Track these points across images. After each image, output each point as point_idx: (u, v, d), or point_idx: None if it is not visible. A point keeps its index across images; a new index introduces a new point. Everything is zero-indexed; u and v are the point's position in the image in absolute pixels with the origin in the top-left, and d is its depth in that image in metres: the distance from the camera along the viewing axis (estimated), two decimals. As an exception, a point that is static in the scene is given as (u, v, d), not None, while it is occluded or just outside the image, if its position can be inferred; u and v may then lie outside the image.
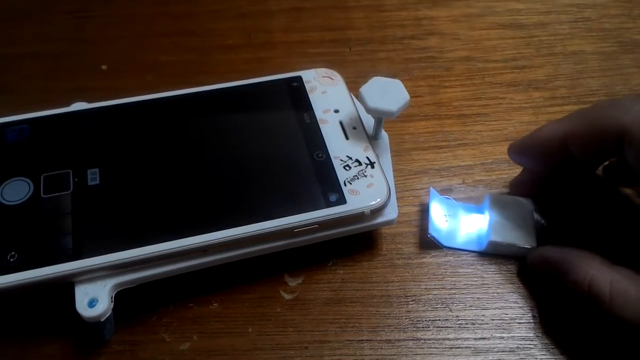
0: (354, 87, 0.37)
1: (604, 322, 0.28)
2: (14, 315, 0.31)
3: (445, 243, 0.34)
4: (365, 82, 0.33)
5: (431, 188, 0.35)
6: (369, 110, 0.33)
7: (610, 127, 0.28)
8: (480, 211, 0.34)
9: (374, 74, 0.34)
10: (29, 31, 0.46)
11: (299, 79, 0.37)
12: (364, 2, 0.48)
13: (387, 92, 0.33)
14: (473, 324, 0.31)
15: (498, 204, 0.34)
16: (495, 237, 0.33)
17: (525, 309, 0.32)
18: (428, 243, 0.34)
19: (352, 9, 0.48)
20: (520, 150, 0.33)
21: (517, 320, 0.31)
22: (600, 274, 0.28)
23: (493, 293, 0.32)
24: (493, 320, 0.31)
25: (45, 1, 0.48)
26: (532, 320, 0.31)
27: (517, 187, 0.35)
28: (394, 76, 0.34)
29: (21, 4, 0.48)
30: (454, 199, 0.35)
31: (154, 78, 0.43)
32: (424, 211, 0.35)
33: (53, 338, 0.30)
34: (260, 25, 0.47)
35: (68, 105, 0.35)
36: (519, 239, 0.32)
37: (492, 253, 0.33)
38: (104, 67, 0.43)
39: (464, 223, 0.34)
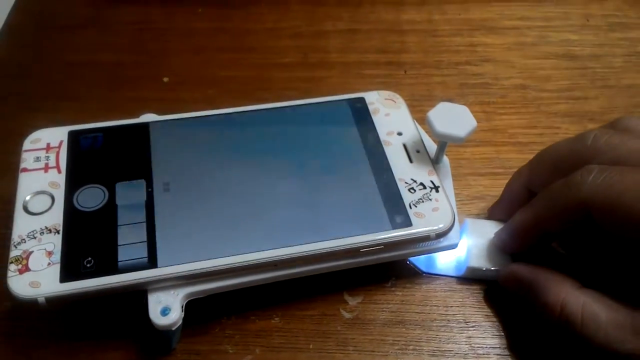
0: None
1: (576, 343, 0.27)
2: (81, 320, 0.32)
3: (424, 269, 0.34)
4: (422, 105, 0.34)
5: None
6: (437, 135, 0.33)
7: (575, 209, 0.28)
8: None
9: (429, 98, 0.35)
10: (92, 40, 0.47)
11: (362, 100, 0.37)
12: (419, 26, 0.49)
13: (455, 118, 0.33)
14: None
15: (476, 228, 0.34)
16: (474, 263, 0.33)
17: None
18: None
19: (407, 32, 0.49)
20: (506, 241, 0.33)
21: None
22: (572, 298, 0.28)
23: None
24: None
25: (108, 11, 0.49)
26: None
27: (496, 212, 0.35)
28: (449, 101, 0.34)
29: (85, 12, 0.49)
30: None
31: (215, 92, 0.43)
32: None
33: (118, 345, 0.31)
34: (316, 45, 0.48)
35: (133, 114, 0.36)
36: (498, 264, 0.32)
37: (471, 278, 0.34)
38: (165, 79, 0.44)
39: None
